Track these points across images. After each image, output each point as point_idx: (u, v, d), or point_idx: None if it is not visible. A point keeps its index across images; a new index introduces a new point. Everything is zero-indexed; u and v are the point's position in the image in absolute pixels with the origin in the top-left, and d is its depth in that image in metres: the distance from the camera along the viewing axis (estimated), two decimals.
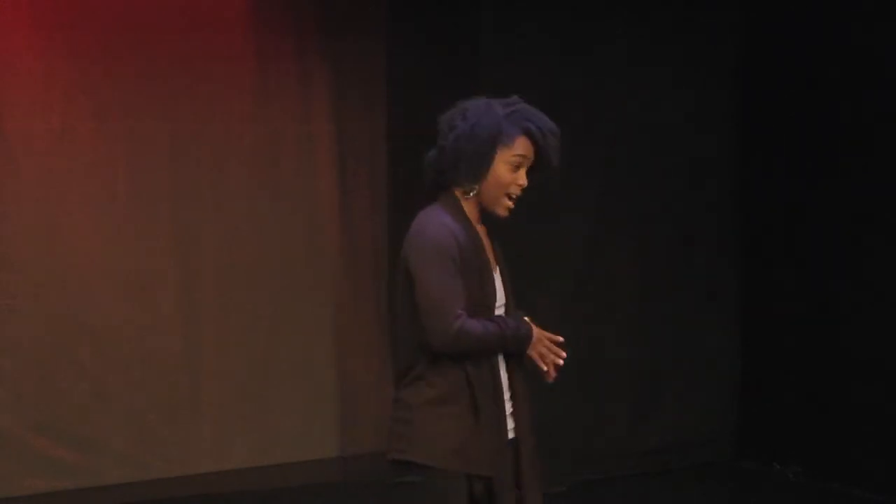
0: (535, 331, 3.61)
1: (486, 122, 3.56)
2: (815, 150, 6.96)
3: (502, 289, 3.68)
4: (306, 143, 7.42)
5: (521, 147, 3.59)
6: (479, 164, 3.55)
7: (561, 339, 3.62)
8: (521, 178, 3.60)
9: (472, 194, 3.61)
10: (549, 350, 3.59)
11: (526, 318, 3.63)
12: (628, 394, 7.17)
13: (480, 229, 3.68)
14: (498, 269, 3.69)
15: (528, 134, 3.60)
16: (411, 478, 3.53)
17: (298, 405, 7.37)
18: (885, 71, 6.56)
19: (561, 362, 3.59)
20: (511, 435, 3.65)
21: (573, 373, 6.94)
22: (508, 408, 3.64)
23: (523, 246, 6.77)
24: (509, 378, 3.65)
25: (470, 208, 3.64)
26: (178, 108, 7.02)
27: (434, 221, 3.55)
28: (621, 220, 7.12)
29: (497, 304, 3.64)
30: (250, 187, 7.25)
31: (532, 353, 3.59)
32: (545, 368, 3.60)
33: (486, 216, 3.71)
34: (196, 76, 7.06)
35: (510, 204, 3.63)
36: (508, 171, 3.59)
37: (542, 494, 3.71)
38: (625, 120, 7.07)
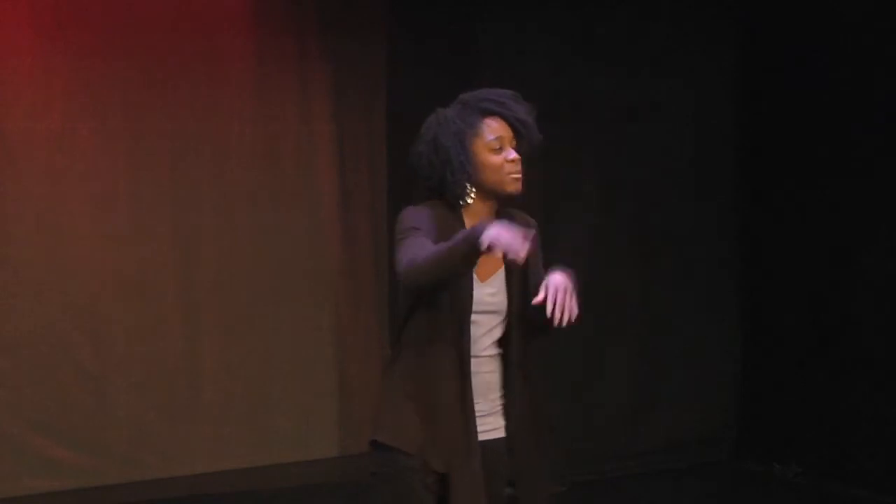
0: (496, 226, 3.26)
1: (443, 129, 3.57)
2: (815, 150, 6.96)
3: (504, 294, 3.65)
4: (306, 143, 7.42)
5: (491, 130, 3.58)
6: (462, 167, 3.54)
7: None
8: (510, 155, 3.58)
9: (470, 200, 3.59)
10: (511, 240, 3.22)
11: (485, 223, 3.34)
12: (628, 394, 7.17)
13: None
14: (504, 273, 3.65)
15: (489, 114, 3.59)
16: (377, 462, 3.59)
17: (298, 405, 7.37)
18: (886, 71, 6.56)
19: (522, 255, 3.24)
20: (501, 433, 3.66)
21: (574, 372, 7.00)
22: (494, 406, 3.65)
23: None
24: (504, 375, 3.66)
25: (476, 212, 3.61)
26: (178, 108, 7.02)
27: (415, 207, 3.58)
28: (621, 219, 7.12)
29: (483, 309, 3.60)
30: (250, 187, 7.25)
31: (491, 236, 3.21)
32: (510, 255, 3.25)
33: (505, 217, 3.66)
34: (196, 76, 7.06)
35: (515, 177, 3.58)
36: (494, 156, 3.57)
37: (544, 494, 3.70)
38: (625, 120, 7.08)
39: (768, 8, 7.21)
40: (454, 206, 3.60)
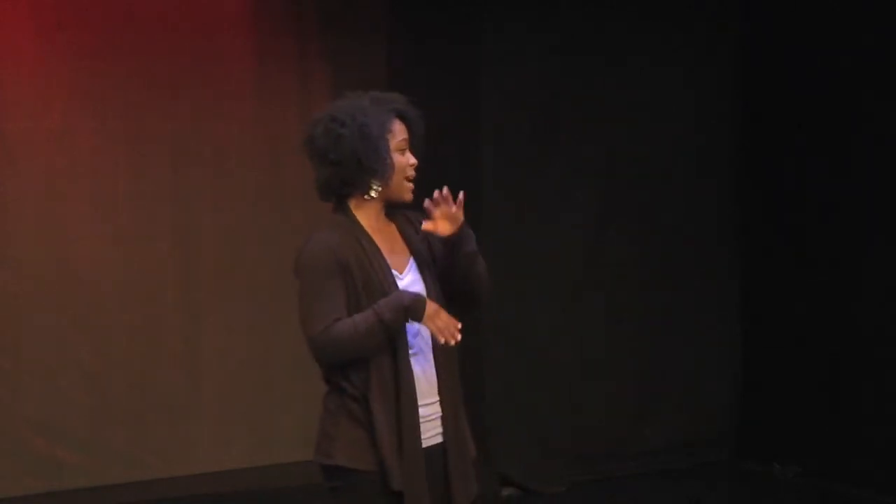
0: (432, 305, 3.50)
1: (368, 118, 3.56)
2: (815, 150, 6.96)
3: (421, 282, 3.65)
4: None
5: (399, 131, 3.62)
6: (383, 158, 3.56)
7: (459, 323, 3.51)
8: (412, 159, 3.63)
9: (375, 194, 3.60)
10: (446, 325, 3.48)
11: (419, 296, 3.52)
12: (628, 394, 7.17)
13: (388, 229, 3.67)
14: (414, 261, 3.66)
15: (398, 116, 3.63)
16: (333, 477, 3.57)
17: (298, 405, 7.35)
18: (886, 69, 6.56)
19: (458, 338, 3.48)
20: (439, 440, 3.63)
21: (573, 372, 7.01)
22: (434, 411, 3.62)
23: (524, 245, 6.78)
24: (438, 380, 3.63)
25: (370, 211, 3.63)
26: (179, 108, 7.02)
27: (313, 239, 3.63)
28: (621, 219, 7.12)
29: None
30: (250, 187, 7.25)
31: (429, 324, 3.49)
32: (442, 340, 3.49)
33: (392, 210, 3.71)
34: (196, 76, 7.06)
35: (411, 186, 3.64)
36: (400, 156, 3.61)
37: (472, 499, 3.68)
38: (625, 120, 7.08)
39: (768, 8, 7.21)
40: (346, 211, 3.61)
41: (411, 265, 3.66)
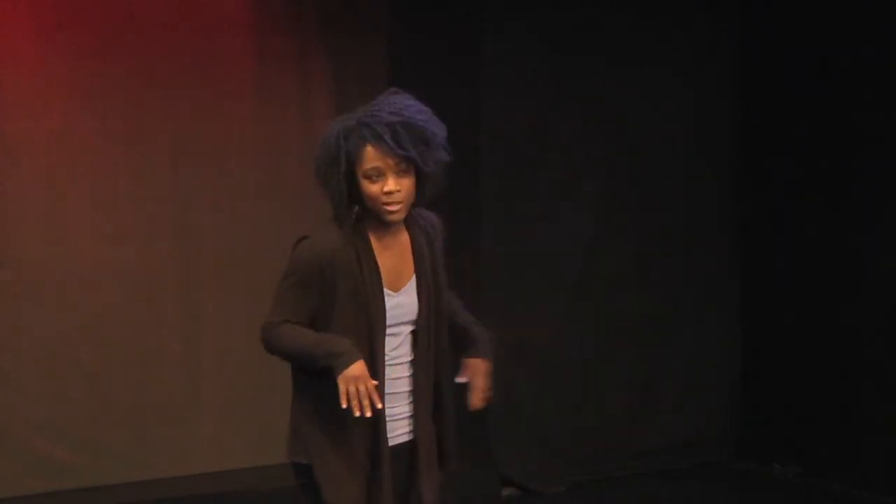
0: (358, 368, 3.42)
1: (323, 154, 3.57)
2: (815, 150, 6.96)
3: (415, 303, 3.64)
4: (307, 142, 7.40)
5: (368, 159, 3.51)
6: (339, 192, 3.52)
7: (379, 404, 3.44)
8: (388, 186, 3.49)
9: (356, 218, 3.57)
10: (359, 393, 3.40)
11: (356, 354, 3.44)
12: (628, 394, 7.18)
13: (397, 244, 3.63)
14: (414, 281, 3.64)
15: (367, 143, 3.52)
16: (305, 480, 3.70)
17: None
18: (886, 69, 6.57)
19: (368, 414, 3.41)
20: (408, 437, 3.66)
21: (573, 372, 7.01)
22: (404, 411, 3.64)
23: (524, 245, 6.79)
24: (413, 376, 3.63)
25: (378, 224, 3.59)
26: (179, 108, 7.02)
27: (305, 244, 3.60)
28: (621, 219, 7.13)
29: (397, 321, 3.60)
30: (250, 187, 7.25)
31: (340, 382, 3.42)
32: (344, 405, 3.43)
33: (413, 225, 3.69)
34: (196, 76, 7.05)
35: (390, 209, 3.52)
36: (370, 185, 3.51)
37: (438, 498, 3.70)
38: (625, 120, 7.09)
39: (768, 8, 7.21)
40: (360, 222, 3.57)
41: (410, 285, 3.64)
